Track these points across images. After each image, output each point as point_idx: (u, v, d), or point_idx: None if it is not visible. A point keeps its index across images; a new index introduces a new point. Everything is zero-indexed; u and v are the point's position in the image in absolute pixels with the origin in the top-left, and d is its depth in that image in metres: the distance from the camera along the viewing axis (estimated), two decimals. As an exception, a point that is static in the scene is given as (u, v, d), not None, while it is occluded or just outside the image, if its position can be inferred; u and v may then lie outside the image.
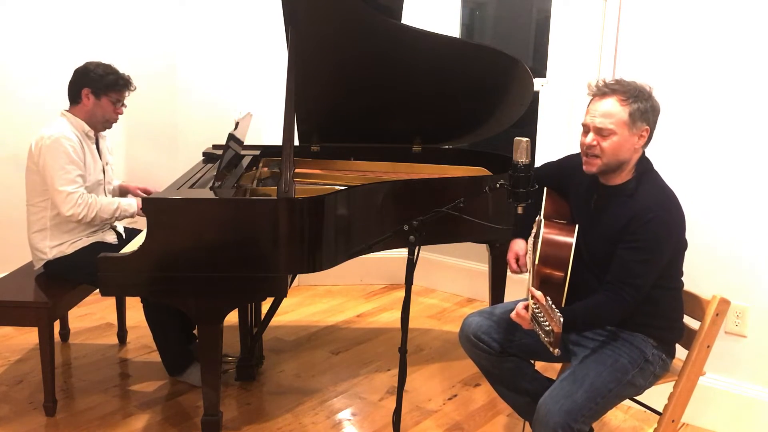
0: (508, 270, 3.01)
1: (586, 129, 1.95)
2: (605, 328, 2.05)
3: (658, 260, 1.91)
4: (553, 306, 1.71)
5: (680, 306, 2.07)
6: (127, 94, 2.78)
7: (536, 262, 1.99)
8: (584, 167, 1.98)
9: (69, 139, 2.61)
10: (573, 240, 1.98)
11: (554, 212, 2.12)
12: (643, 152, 2.00)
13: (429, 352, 3.29)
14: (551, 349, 1.65)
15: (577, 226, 2.02)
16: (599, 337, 2.05)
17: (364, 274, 4.21)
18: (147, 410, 2.67)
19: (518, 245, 2.27)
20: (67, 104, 2.74)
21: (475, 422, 2.65)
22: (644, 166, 1.99)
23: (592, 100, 1.96)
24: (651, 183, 1.96)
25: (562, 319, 1.66)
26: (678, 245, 1.98)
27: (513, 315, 1.90)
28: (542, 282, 1.97)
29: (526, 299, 1.86)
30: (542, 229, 2.02)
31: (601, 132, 1.91)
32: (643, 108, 1.90)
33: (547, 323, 1.67)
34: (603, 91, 1.93)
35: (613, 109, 1.90)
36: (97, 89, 2.69)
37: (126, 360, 3.13)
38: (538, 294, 1.77)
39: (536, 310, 1.72)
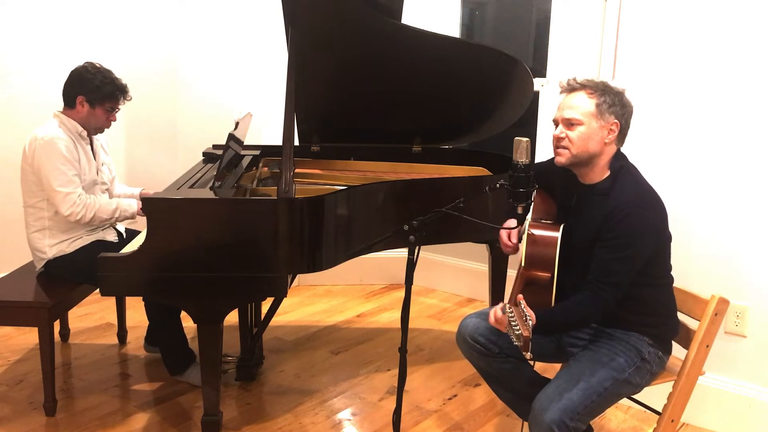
0: (509, 266, 3.04)
1: (556, 123, 2.01)
2: (600, 328, 2.06)
3: (636, 256, 1.91)
4: (526, 311, 1.73)
5: (672, 301, 2.07)
6: (122, 102, 2.77)
7: (522, 263, 1.99)
8: (555, 159, 2.02)
9: (62, 139, 2.61)
10: (558, 239, 1.99)
11: (542, 212, 2.13)
12: (619, 149, 2.02)
13: (429, 352, 3.29)
14: (523, 353, 1.69)
15: (562, 225, 2.03)
16: (595, 336, 2.06)
17: (364, 274, 4.21)
18: (147, 410, 2.67)
19: (509, 222, 2.23)
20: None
21: (475, 422, 2.65)
22: (620, 164, 2.01)
23: (561, 97, 2.02)
24: (627, 180, 1.98)
25: (531, 323, 1.69)
26: (659, 239, 1.98)
27: (491, 320, 1.90)
28: (530, 283, 1.98)
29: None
30: (527, 230, 2.03)
31: (568, 122, 1.96)
32: (610, 101, 1.95)
33: (518, 327, 1.69)
34: (572, 86, 2.00)
35: (580, 100, 1.96)
36: (93, 99, 2.67)
37: (126, 360, 3.13)
38: (518, 296, 1.78)
39: (510, 316, 1.75)
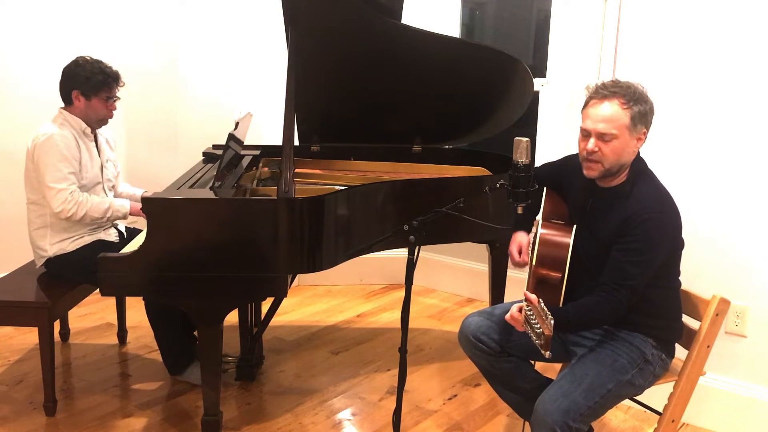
0: (509, 266, 3.04)
1: (587, 134, 1.93)
2: (604, 328, 2.06)
3: (653, 261, 1.91)
4: (546, 309, 1.72)
5: (678, 305, 2.07)
6: (117, 89, 2.76)
7: (533, 263, 1.99)
8: (585, 172, 1.97)
9: (64, 136, 2.62)
10: (570, 240, 1.98)
11: (553, 213, 2.12)
12: (638, 153, 2.00)
13: (429, 352, 3.29)
14: (542, 352, 1.67)
15: (574, 226, 2.02)
16: (598, 337, 2.05)
17: (364, 274, 4.21)
18: (147, 410, 2.67)
19: (520, 236, 2.25)
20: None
21: (475, 422, 2.65)
22: (639, 167, 1.99)
23: (590, 103, 1.93)
24: (646, 184, 1.97)
25: (553, 322, 1.67)
26: (674, 244, 1.98)
27: (507, 317, 1.91)
28: (540, 283, 1.97)
29: (521, 301, 1.86)
30: (539, 230, 2.02)
31: (603, 137, 1.90)
32: (642, 111, 1.90)
33: (538, 326, 1.68)
34: (603, 93, 1.91)
35: (616, 113, 1.88)
36: (86, 91, 2.68)
37: (126, 360, 3.13)
38: (532, 297, 1.78)
39: (529, 313, 1.73)
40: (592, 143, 1.91)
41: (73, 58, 2.75)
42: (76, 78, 2.68)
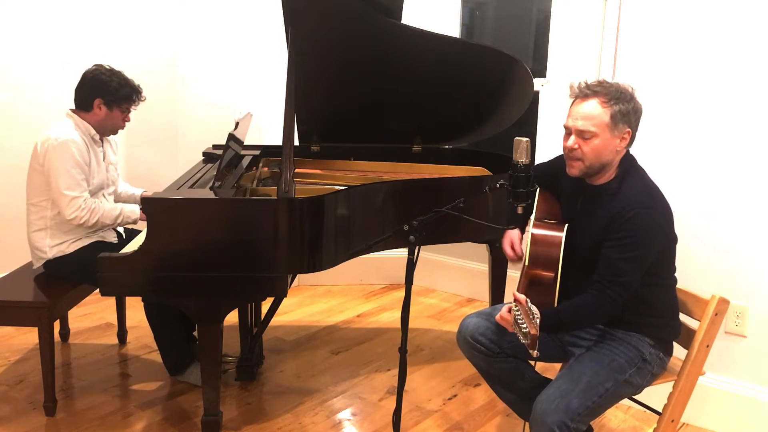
0: (509, 266, 3.05)
1: (568, 132, 1.96)
2: (601, 328, 2.06)
3: (644, 257, 1.91)
4: (532, 308, 1.72)
5: (675, 302, 2.07)
6: (137, 103, 2.78)
7: (526, 263, 1.99)
8: (567, 170, 1.99)
9: (75, 142, 2.61)
10: (562, 239, 1.98)
11: (545, 212, 2.12)
12: (627, 151, 2.00)
13: (429, 352, 3.29)
14: (530, 351, 1.68)
15: (566, 225, 2.02)
16: (596, 337, 2.06)
17: (364, 274, 4.21)
18: (147, 410, 2.67)
19: (511, 233, 2.25)
20: (71, 104, 2.73)
21: (475, 422, 2.65)
22: (628, 164, 2.00)
23: (573, 102, 1.97)
24: (634, 180, 1.97)
25: (539, 321, 1.69)
26: (665, 240, 1.98)
27: (497, 318, 1.94)
28: (533, 283, 1.97)
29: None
30: (531, 230, 2.03)
31: (582, 135, 1.92)
32: (624, 110, 1.90)
33: (525, 326, 1.69)
34: (585, 92, 1.93)
35: (595, 111, 1.90)
36: (111, 101, 2.68)
37: (126, 360, 3.13)
38: (521, 297, 1.78)
39: (517, 314, 1.74)
40: (572, 140, 1.94)
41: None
42: (103, 87, 2.67)
